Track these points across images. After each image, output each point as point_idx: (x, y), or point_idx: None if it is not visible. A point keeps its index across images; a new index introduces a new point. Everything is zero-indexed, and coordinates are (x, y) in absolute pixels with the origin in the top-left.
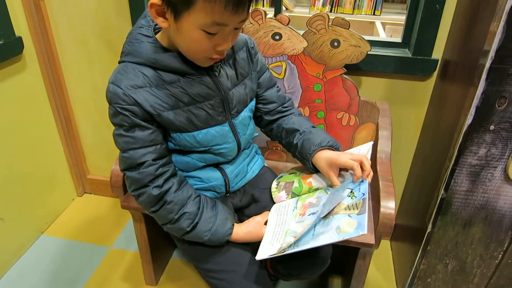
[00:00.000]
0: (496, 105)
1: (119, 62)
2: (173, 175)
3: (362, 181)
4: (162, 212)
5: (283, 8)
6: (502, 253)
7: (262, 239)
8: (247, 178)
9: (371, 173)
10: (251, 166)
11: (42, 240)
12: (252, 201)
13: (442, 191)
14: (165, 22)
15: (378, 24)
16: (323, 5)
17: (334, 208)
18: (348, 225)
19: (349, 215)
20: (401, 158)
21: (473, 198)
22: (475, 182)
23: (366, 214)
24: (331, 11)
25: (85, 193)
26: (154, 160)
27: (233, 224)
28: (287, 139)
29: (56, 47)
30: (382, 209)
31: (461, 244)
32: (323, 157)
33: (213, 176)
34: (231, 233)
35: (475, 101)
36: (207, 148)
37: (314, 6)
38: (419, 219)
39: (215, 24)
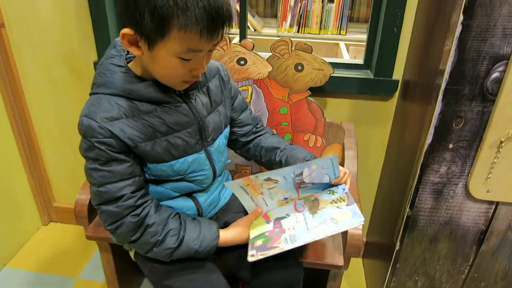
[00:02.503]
0: (453, 125)
1: (91, 94)
2: (151, 203)
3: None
4: (145, 237)
5: (252, 29)
6: (468, 267)
7: (246, 240)
8: (220, 205)
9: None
10: (223, 193)
11: (4, 273)
12: (224, 226)
13: (407, 209)
14: (138, 50)
15: (342, 46)
16: (291, 25)
17: (319, 204)
18: (343, 215)
19: (338, 207)
20: (369, 177)
21: (438, 215)
22: (438, 199)
23: (356, 204)
24: (298, 31)
25: (51, 221)
26: (133, 192)
27: (218, 228)
28: (266, 157)
29: (18, 72)
30: (349, 230)
31: (429, 261)
32: None
33: (186, 206)
34: (218, 235)
35: (434, 121)
36: (182, 176)
37: (281, 27)
38: (388, 237)
39: (190, 51)
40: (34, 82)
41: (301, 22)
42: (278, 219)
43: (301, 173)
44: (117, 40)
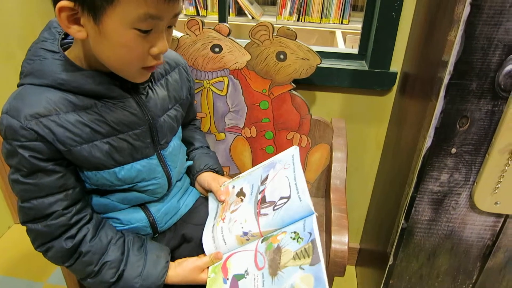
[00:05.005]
0: (458, 126)
1: (18, 86)
2: (89, 220)
3: (307, 215)
4: (78, 266)
5: (250, 17)
6: (471, 285)
7: (199, 283)
8: (180, 214)
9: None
10: (183, 200)
11: None
12: (183, 241)
13: (402, 220)
14: (81, 31)
15: (338, 34)
16: (290, 14)
17: (280, 259)
18: (304, 282)
19: (300, 267)
20: (364, 178)
21: (437, 227)
22: (438, 211)
23: (322, 262)
24: (298, 20)
25: None
26: (65, 208)
27: (167, 262)
28: None
29: None
30: (333, 245)
31: (426, 277)
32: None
33: (134, 217)
34: (165, 273)
35: (434, 121)
36: (130, 185)
37: (281, 15)
38: (382, 246)
39: (148, 17)
40: None
41: (301, 10)
42: (235, 278)
43: (266, 178)
44: (54, 21)
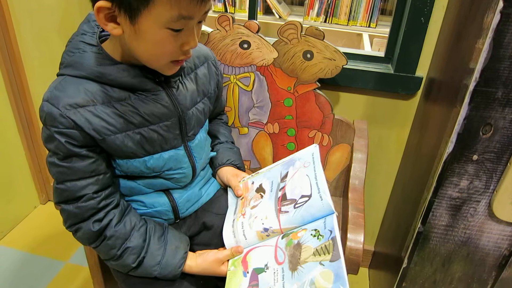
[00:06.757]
0: (480, 133)
1: (58, 75)
2: (116, 206)
3: (327, 214)
4: (102, 248)
5: (277, 15)
6: None
7: (219, 275)
8: (201, 202)
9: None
10: (205, 189)
11: None
12: (203, 228)
13: (419, 224)
14: (117, 28)
15: (365, 37)
16: (318, 14)
17: (300, 255)
18: (324, 278)
19: (320, 263)
20: (382, 181)
21: (453, 233)
22: (455, 217)
23: (342, 259)
24: (325, 21)
25: (49, 200)
26: (95, 192)
27: (186, 253)
28: None
29: (18, 46)
30: (348, 243)
31: (440, 283)
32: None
33: (158, 201)
34: (183, 263)
35: (457, 127)
36: (157, 173)
37: (308, 15)
38: (397, 250)
39: (181, 17)
40: (34, 57)
41: (329, 11)
42: (255, 272)
43: (286, 175)
44: (92, 14)
